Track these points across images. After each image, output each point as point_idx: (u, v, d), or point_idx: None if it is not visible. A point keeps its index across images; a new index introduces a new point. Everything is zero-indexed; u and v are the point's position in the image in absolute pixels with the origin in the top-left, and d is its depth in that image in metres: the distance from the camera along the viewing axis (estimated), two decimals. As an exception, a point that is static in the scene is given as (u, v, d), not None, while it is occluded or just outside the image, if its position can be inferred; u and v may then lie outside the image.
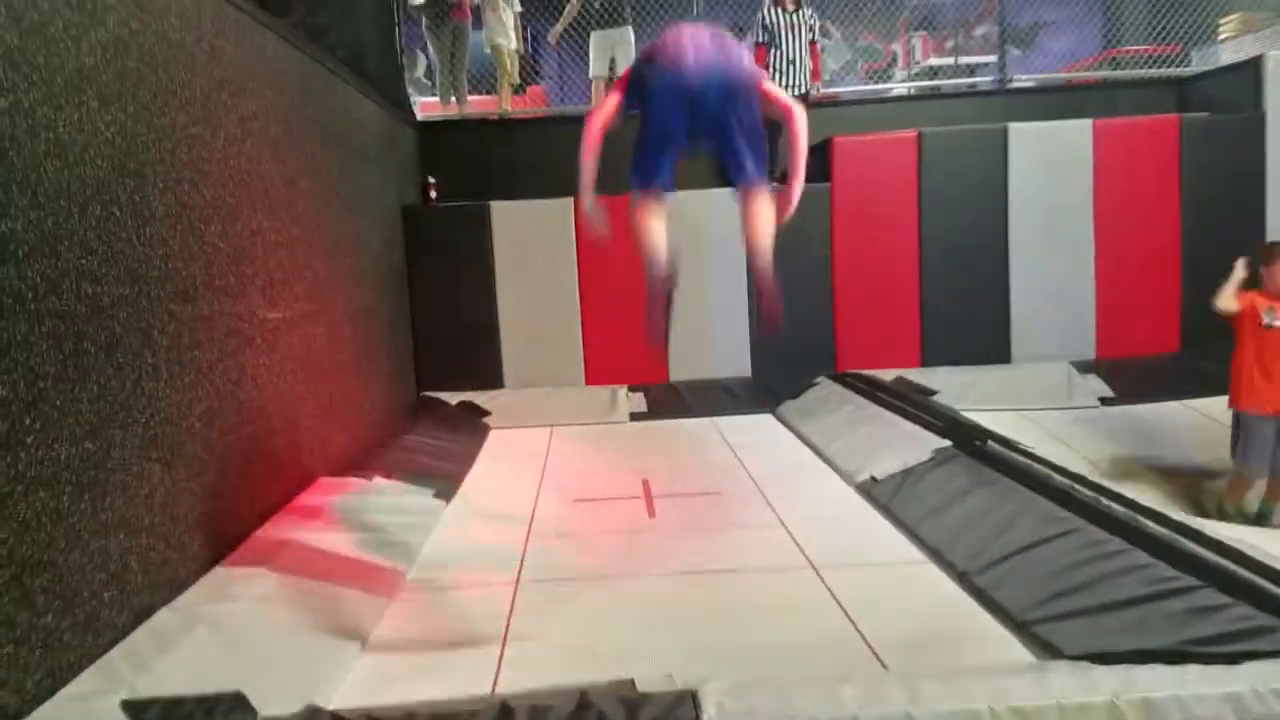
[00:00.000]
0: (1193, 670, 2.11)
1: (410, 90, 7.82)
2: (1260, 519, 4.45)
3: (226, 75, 3.58)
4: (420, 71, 9.04)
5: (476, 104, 8.45)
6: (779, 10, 7.22)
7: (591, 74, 8.06)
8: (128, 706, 2.17)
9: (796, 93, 7.23)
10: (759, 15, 7.34)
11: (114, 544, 2.55)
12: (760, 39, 7.32)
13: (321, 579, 3.21)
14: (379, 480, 4.42)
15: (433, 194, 7.38)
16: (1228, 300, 4.59)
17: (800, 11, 7.25)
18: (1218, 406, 5.43)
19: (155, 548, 2.77)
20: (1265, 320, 4.47)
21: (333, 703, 2.49)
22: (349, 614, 3.06)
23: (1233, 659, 2.16)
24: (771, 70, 7.22)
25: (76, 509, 2.38)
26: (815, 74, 7.41)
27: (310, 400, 4.30)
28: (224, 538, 3.25)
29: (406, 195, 7.02)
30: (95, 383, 2.51)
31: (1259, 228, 6.90)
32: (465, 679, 2.65)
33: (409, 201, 7.04)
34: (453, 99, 8.12)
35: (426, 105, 8.31)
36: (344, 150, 5.24)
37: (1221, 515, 4.43)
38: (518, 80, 8.58)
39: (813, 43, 7.34)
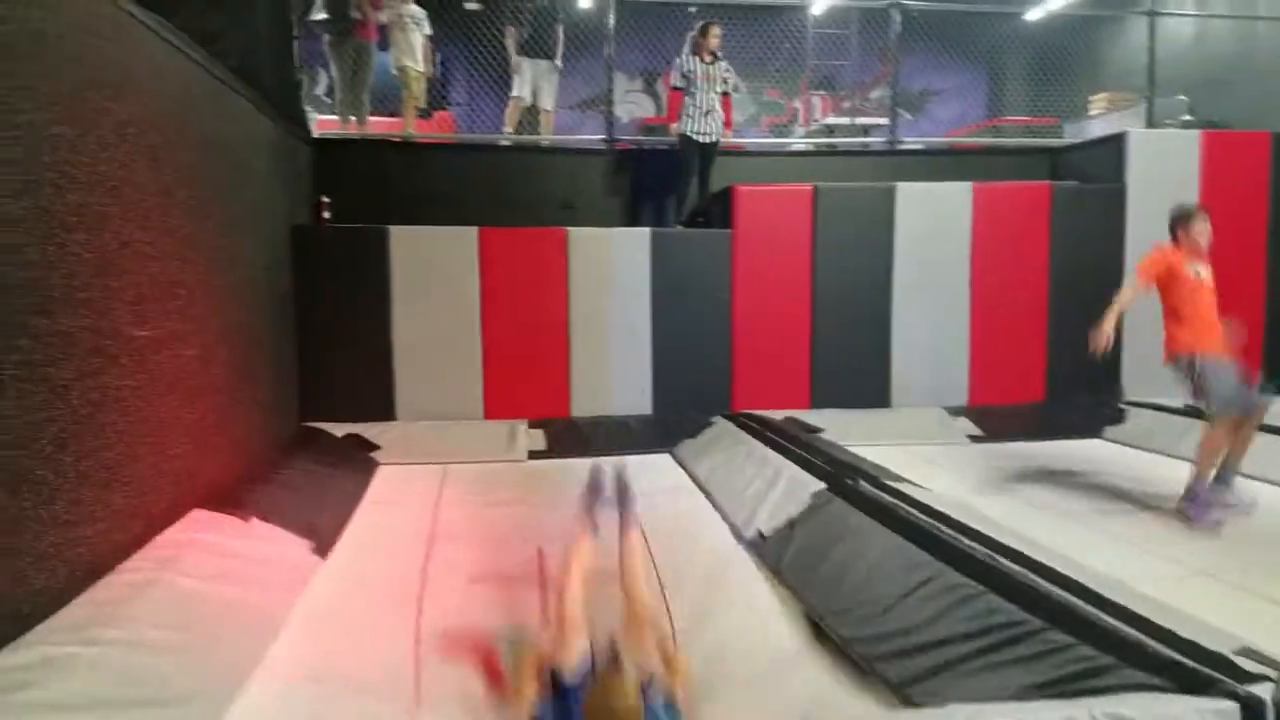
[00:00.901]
0: (1037, 705, 2.26)
1: (308, 107, 7.61)
2: (1219, 480, 4.58)
3: (100, 75, 3.38)
4: (321, 89, 8.83)
5: (379, 125, 8.29)
6: (698, 60, 7.40)
7: (514, 93, 8.13)
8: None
9: (708, 140, 7.40)
10: (678, 61, 7.51)
11: (-56, 573, 2.32)
12: (677, 84, 7.48)
13: (174, 643, 2.87)
14: (256, 522, 4.09)
15: (326, 214, 7.16)
16: (1125, 296, 4.88)
17: (717, 64, 7.44)
18: (1076, 446, 6.07)
19: (-8, 579, 2.54)
20: (1191, 274, 4.78)
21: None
22: (201, 687, 2.75)
23: (1075, 695, 2.29)
24: (684, 118, 7.37)
25: (-100, 534, 2.17)
26: (728, 123, 7.64)
27: (178, 426, 4.06)
28: (75, 571, 3.01)
29: (298, 215, 6.79)
30: (-69, 398, 2.31)
31: (1117, 288, 7.31)
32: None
33: (300, 221, 6.81)
34: (353, 118, 7.94)
35: (325, 123, 8.10)
36: (229, 163, 5.04)
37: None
38: (423, 104, 8.48)
39: (726, 95, 7.53)
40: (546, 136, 8.33)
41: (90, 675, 2.52)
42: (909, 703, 2.55)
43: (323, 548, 4.30)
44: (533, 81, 8.10)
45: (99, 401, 3.25)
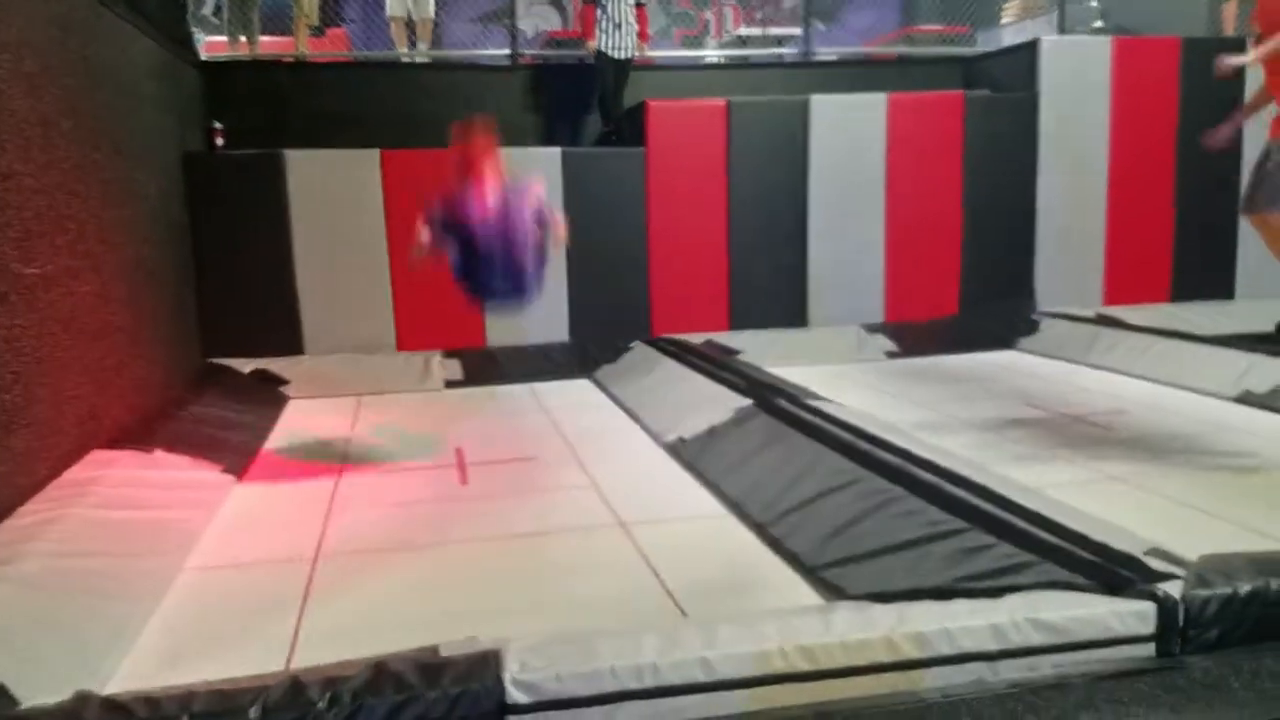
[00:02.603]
0: (960, 605, 2.30)
1: (195, 29, 7.18)
2: None
3: (-36, -3, 3.14)
4: (208, 8, 8.34)
5: (270, 45, 7.88)
6: None
7: (389, 14, 7.83)
8: None
9: (623, 55, 7.24)
10: None
11: None
12: (587, 0, 7.26)
13: (95, 557, 2.94)
14: (160, 454, 4.08)
15: (219, 141, 6.81)
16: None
17: None
18: (990, 358, 6.20)
19: (-112, 528, 2.44)
20: None
21: (108, 688, 2.29)
22: (126, 594, 2.82)
23: (996, 593, 2.36)
24: (599, 32, 7.18)
25: None
26: (644, 36, 7.45)
27: (77, 366, 3.90)
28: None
29: (190, 142, 6.45)
30: None
31: (1030, 197, 7.58)
32: (256, 657, 2.51)
33: (193, 148, 6.48)
34: (242, 39, 7.53)
35: (213, 45, 7.67)
36: (114, 90, 4.74)
37: None
38: (316, 22, 8.09)
39: (640, 6, 7.35)
40: (449, 53, 8.05)
41: (13, 594, 2.53)
42: (841, 595, 2.65)
43: (235, 469, 4.30)
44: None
45: (-12, 343, 3.10)
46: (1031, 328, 7.29)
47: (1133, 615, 2.27)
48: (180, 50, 6.39)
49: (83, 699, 1.97)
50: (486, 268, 3.65)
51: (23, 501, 3.23)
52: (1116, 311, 7.35)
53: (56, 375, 3.67)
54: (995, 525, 2.78)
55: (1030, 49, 7.74)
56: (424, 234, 3.94)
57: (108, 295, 4.37)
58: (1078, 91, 7.49)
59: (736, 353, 6.59)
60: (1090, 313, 7.29)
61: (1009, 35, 9.65)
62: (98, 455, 3.86)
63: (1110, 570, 2.42)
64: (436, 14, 8.17)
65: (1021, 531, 2.71)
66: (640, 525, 3.52)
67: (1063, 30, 8.68)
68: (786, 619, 2.24)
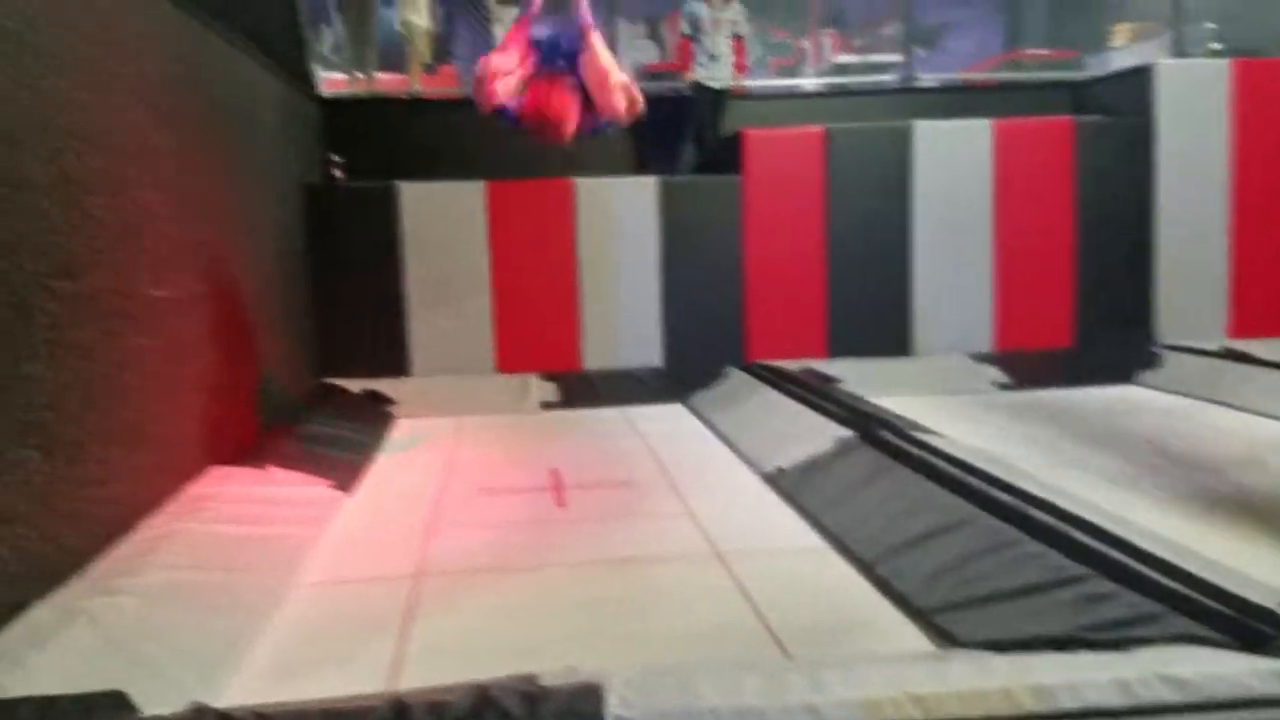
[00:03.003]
0: (1083, 656, 2.18)
1: (315, 65, 7.54)
2: None
3: (113, 39, 3.36)
4: (327, 46, 8.74)
5: (386, 82, 8.21)
6: (705, 4, 7.25)
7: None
8: (-1, 706, 2.03)
9: (719, 85, 7.28)
10: (685, 7, 7.35)
11: (-17, 535, 2.37)
12: (685, 31, 7.35)
13: (211, 572, 3.06)
14: (275, 470, 4.25)
15: (337, 173, 7.13)
16: None
17: (728, 6, 7.29)
18: (1110, 394, 5.91)
19: (28, 538, 2.60)
20: None
21: (221, 701, 2.37)
22: (240, 608, 2.92)
23: (1122, 645, 2.24)
24: (695, 64, 7.26)
25: (-60, 499, 2.21)
26: (740, 66, 7.47)
27: (201, 386, 4.10)
28: (106, 528, 3.08)
29: (309, 173, 6.76)
30: (-38, 363, 2.33)
31: (1147, 227, 7.26)
32: (361, 675, 2.57)
33: (311, 180, 6.79)
34: (360, 75, 7.87)
35: (332, 82, 8.03)
36: (241, 124, 5.02)
37: None
38: (429, 59, 8.38)
39: (737, 38, 7.39)
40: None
41: (133, 607, 2.63)
42: (954, 642, 2.55)
43: (345, 486, 4.45)
44: None
45: (122, 362, 3.28)
46: (1152, 361, 6.91)
47: (1274, 675, 2.11)
48: (301, 86, 6.72)
49: (199, 711, 2.04)
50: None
51: (145, 516, 3.38)
52: (1243, 345, 6.93)
53: (181, 394, 3.86)
54: (1121, 573, 2.63)
55: (1144, 73, 7.43)
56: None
57: (230, 319, 4.58)
58: (1196, 116, 7.15)
59: (836, 381, 6.47)
60: (1215, 346, 6.89)
61: (1120, 59, 9.31)
62: (216, 472, 4.04)
63: (1248, 625, 2.26)
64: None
65: (1150, 581, 2.56)
66: (738, 556, 3.47)
67: (1177, 53, 8.33)
68: (897, 665, 2.16)
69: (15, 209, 2.63)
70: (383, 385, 6.63)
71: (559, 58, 3.58)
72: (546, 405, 6.50)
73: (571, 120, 3.61)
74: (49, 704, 2.07)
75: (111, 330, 3.21)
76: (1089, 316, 7.29)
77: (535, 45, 3.58)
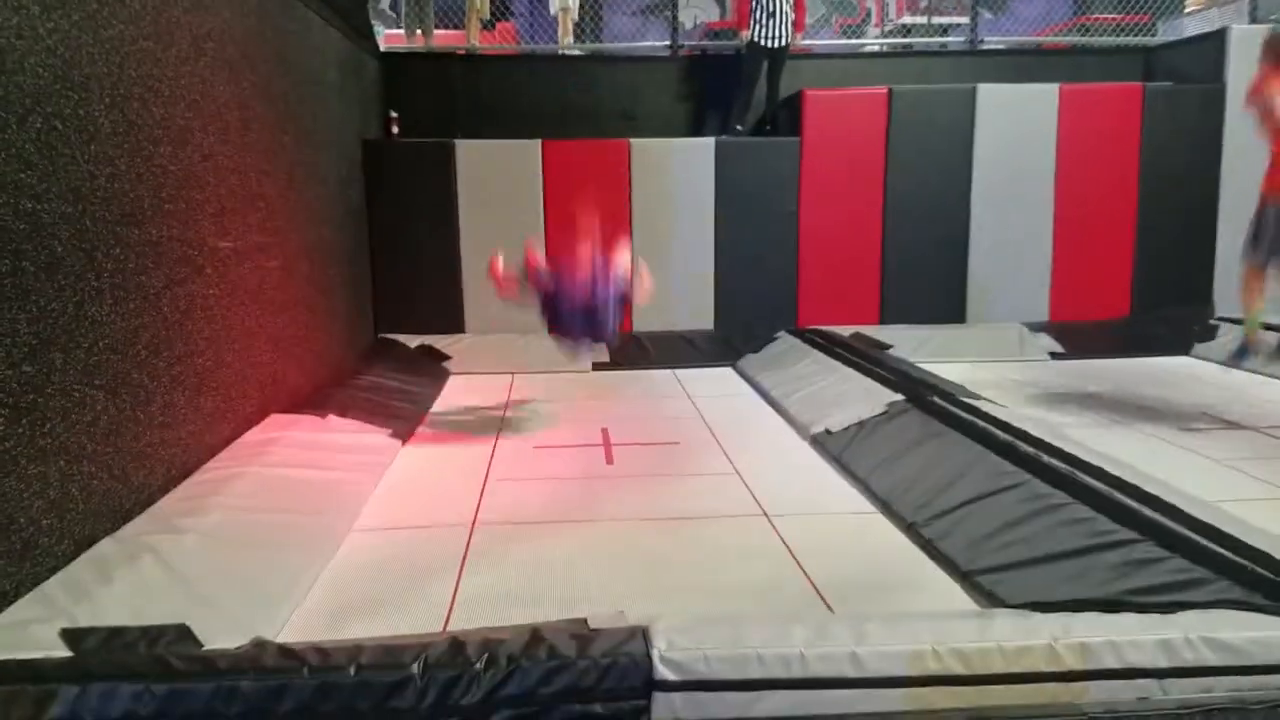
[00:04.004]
0: (1128, 618, 2.16)
1: (375, 21, 7.59)
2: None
3: (176, -12, 3.42)
4: (386, 3, 8.79)
5: (443, 38, 8.24)
6: None
7: (551, 9, 7.95)
8: (67, 635, 2.13)
9: (777, 44, 7.15)
10: None
11: (53, 470, 2.48)
12: None
13: (273, 513, 3.17)
14: (334, 418, 4.35)
15: (394, 129, 7.19)
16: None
17: None
18: (1165, 364, 5.74)
19: (98, 476, 2.71)
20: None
21: (282, 637, 2.46)
22: (301, 549, 3.02)
23: (1167, 608, 2.21)
24: (753, 22, 7.13)
25: (13, 433, 2.31)
26: (800, 25, 7.34)
27: (262, 335, 4.21)
28: (171, 470, 3.20)
29: (368, 129, 6.83)
30: (34, 304, 2.43)
31: (1213, 196, 7.02)
32: (417, 617, 2.65)
33: (370, 135, 6.86)
34: (419, 32, 7.90)
35: (391, 37, 8.08)
36: (303, 77, 5.07)
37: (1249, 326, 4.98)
38: (487, 15, 8.39)
39: None
40: (609, 45, 8.17)
41: (197, 545, 2.73)
42: (999, 603, 2.55)
43: (402, 435, 4.55)
44: None
45: (187, 309, 3.38)
46: (1210, 333, 6.76)
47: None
48: (362, 42, 6.76)
49: (260, 645, 2.11)
50: (569, 319, 4.31)
51: (208, 459, 3.51)
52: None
53: (243, 343, 3.97)
54: (1168, 538, 2.60)
55: (1218, 38, 7.17)
56: (510, 268, 4.69)
57: (292, 271, 4.68)
58: (1272, 83, 6.86)
59: (887, 347, 6.42)
60: (1277, 320, 6.67)
61: (1193, 25, 8.94)
62: (277, 419, 4.15)
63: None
64: (598, 8, 8.32)
65: (1197, 546, 2.53)
66: (785, 517, 3.49)
67: (1254, 19, 7.98)
68: (940, 621, 2.17)
69: (85, 157, 2.71)
70: (439, 341, 6.73)
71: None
72: (598, 366, 6.55)
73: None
74: (116, 634, 2.17)
75: (176, 278, 3.30)
76: (1148, 287, 7.11)
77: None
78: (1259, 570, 2.35)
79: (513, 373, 6.36)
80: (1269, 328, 5.45)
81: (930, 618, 2.22)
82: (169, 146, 3.27)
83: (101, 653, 2.09)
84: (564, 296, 4.28)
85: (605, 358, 6.64)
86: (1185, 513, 2.73)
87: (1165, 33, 8.80)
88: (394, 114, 7.19)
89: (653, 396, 5.76)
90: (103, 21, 2.84)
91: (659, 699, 1.95)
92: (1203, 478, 3.72)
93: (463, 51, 7.98)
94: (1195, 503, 2.86)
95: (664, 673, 1.96)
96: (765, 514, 3.53)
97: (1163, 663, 2.05)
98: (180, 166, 3.36)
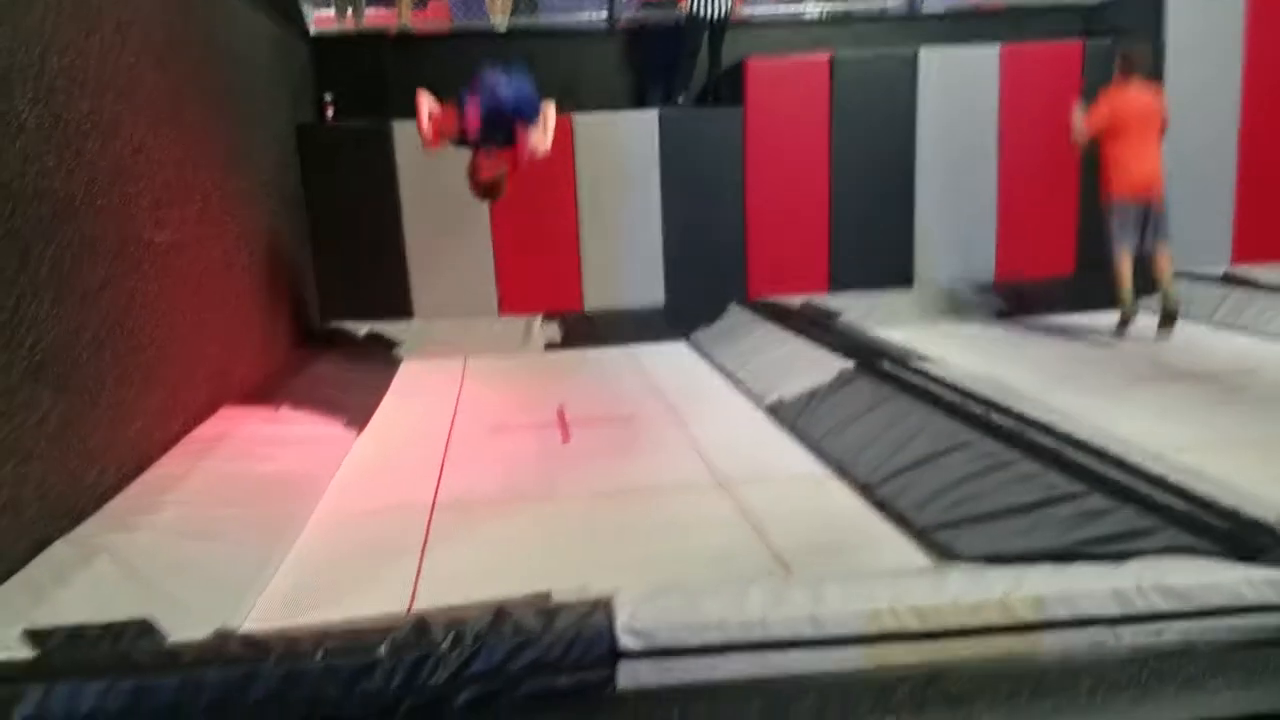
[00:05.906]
0: (1081, 568, 2.24)
1: (304, 2, 7.39)
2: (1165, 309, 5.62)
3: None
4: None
5: (375, 18, 8.06)
6: None
7: None
8: (29, 635, 2.09)
9: (717, 14, 7.10)
10: None
11: (5, 472, 2.42)
12: None
13: (229, 507, 3.13)
14: (286, 410, 4.30)
15: (329, 112, 7.04)
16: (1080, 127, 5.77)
17: None
18: (1110, 319, 5.91)
19: (49, 477, 2.65)
20: None
21: (245, 627, 2.45)
22: (260, 539, 3.00)
23: (1118, 558, 2.29)
24: None
25: (-45, 436, 2.25)
26: None
27: (207, 328, 4.13)
28: (123, 467, 3.14)
29: (302, 113, 6.68)
30: (-34, 304, 2.35)
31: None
32: (380, 599, 2.64)
33: (305, 120, 6.71)
34: (349, 12, 7.72)
35: (321, 19, 7.87)
36: (233, 64, 4.95)
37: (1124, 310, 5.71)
38: (418, -7, 8.22)
39: None
40: (545, 20, 8.07)
41: (154, 541, 2.70)
42: (953, 558, 2.61)
43: (356, 424, 4.52)
44: None
45: (128, 305, 3.30)
46: (1149, 287, 6.90)
47: (1266, 583, 2.16)
48: (291, 24, 6.60)
49: (224, 635, 2.11)
50: (491, 127, 4.66)
51: (160, 455, 3.45)
52: (1247, 271, 6.91)
53: (188, 337, 3.89)
54: (1117, 489, 2.68)
55: (1157, -7, 7.27)
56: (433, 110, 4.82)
57: (233, 261, 4.59)
58: (1208, 39, 7.02)
59: (837, 314, 6.49)
60: (1218, 271, 6.88)
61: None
62: (227, 412, 4.09)
63: (1241, 537, 2.31)
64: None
65: (1145, 496, 2.61)
66: (741, 485, 3.53)
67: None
68: (897, 579, 2.23)
69: (10, 154, 2.62)
70: (387, 328, 6.65)
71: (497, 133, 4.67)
72: (550, 346, 6.53)
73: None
74: (78, 632, 2.14)
75: (115, 273, 3.22)
76: (1092, 244, 7.25)
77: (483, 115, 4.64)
78: (1206, 518, 2.44)
79: (464, 356, 6.30)
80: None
81: (886, 576, 2.28)
82: (98, 139, 3.18)
83: (65, 651, 2.07)
84: (476, 114, 4.60)
85: (558, 338, 6.63)
86: (1132, 463, 2.83)
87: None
88: (329, 97, 7.03)
89: (607, 374, 5.77)
90: (21, 8, 2.74)
91: (624, 668, 1.99)
92: (1147, 427, 3.80)
93: (394, 31, 7.83)
94: (1141, 453, 2.96)
95: (628, 642, 1.99)
96: (722, 483, 3.58)
97: (1115, 611, 2.11)
98: (111, 160, 3.27)
